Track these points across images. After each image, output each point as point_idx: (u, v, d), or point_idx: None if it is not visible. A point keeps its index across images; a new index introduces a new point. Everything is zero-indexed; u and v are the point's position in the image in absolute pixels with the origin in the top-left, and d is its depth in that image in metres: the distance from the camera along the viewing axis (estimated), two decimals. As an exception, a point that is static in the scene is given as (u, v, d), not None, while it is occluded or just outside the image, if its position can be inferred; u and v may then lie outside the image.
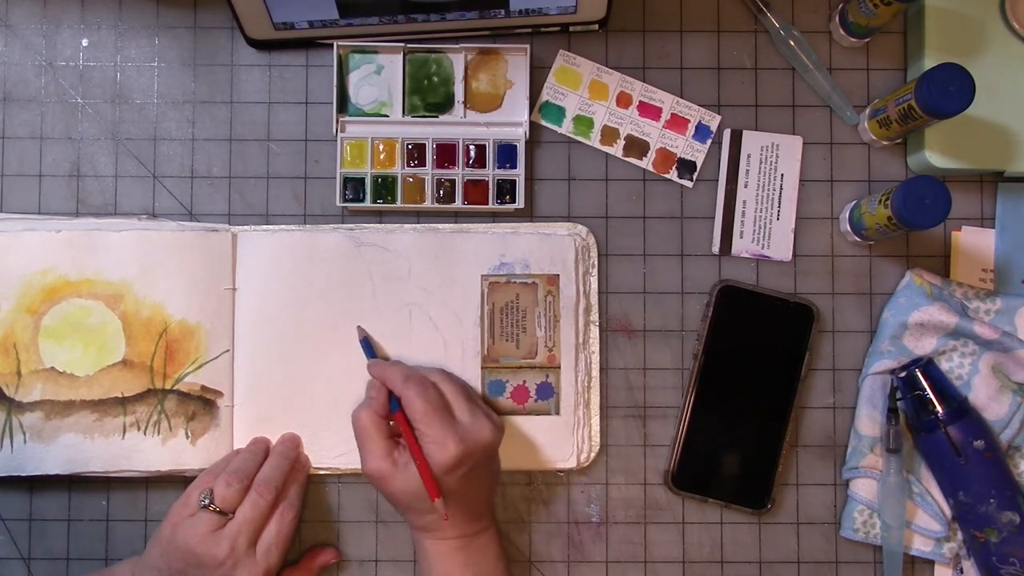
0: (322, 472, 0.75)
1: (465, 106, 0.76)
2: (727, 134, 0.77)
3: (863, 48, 0.78)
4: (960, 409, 0.71)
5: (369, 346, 0.74)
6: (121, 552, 0.75)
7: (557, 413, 0.75)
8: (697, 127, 0.77)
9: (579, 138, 0.77)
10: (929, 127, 0.73)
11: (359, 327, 0.74)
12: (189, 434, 0.73)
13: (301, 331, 0.75)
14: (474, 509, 0.69)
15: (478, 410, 0.69)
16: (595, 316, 0.76)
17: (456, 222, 0.76)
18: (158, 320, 0.74)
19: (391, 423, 0.69)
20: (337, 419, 0.74)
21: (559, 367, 0.75)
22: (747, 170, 0.77)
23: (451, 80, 0.76)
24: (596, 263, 0.76)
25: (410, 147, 0.76)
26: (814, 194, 0.77)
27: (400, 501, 0.68)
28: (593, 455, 0.75)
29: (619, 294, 0.77)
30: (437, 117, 0.76)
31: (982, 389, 0.73)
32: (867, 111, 0.76)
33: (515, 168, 0.76)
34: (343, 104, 0.76)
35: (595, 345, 0.76)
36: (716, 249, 0.77)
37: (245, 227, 0.76)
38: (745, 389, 0.75)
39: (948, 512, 0.73)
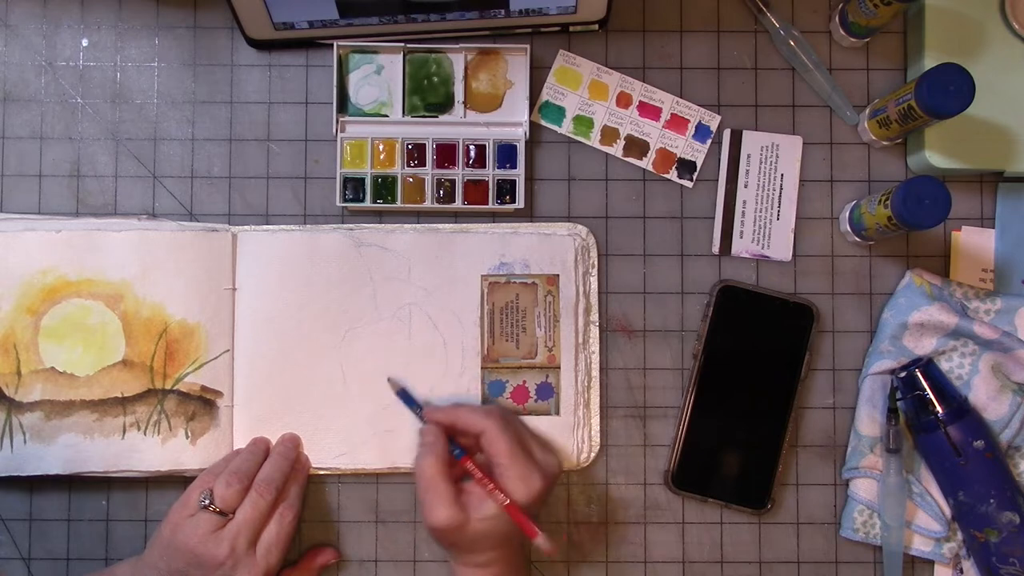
0: (322, 472, 0.75)
1: (465, 106, 0.76)
2: (727, 134, 0.77)
3: (863, 48, 0.78)
4: (960, 409, 0.71)
5: (409, 395, 0.73)
6: (121, 552, 0.75)
7: (557, 413, 0.75)
8: (697, 127, 0.77)
9: (579, 138, 0.77)
10: (929, 127, 0.73)
11: (390, 379, 0.73)
12: (189, 434, 0.73)
13: (301, 331, 0.75)
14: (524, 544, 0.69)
15: (543, 445, 0.69)
16: (595, 316, 0.76)
17: (456, 222, 0.76)
18: (158, 320, 0.74)
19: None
20: (337, 419, 0.75)
21: (559, 367, 0.75)
22: (747, 170, 0.77)
23: (451, 80, 0.76)
24: (596, 263, 0.76)
25: (410, 147, 0.76)
26: (814, 194, 0.77)
27: (467, 546, 0.66)
28: (593, 455, 0.75)
29: (619, 294, 0.77)
30: (437, 117, 0.76)
31: (982, 389, 0.73)
32: (867, 111, 0.76)
33: (515, 168, 0.76)
34: (343, 104, 0.76)
35: (595, 345, 0.76)
36: (716, 249, 0.77)
37: (245, 227, 0.76)
38: (745, 389, 0.75)
39: (948, 512, 0.73)
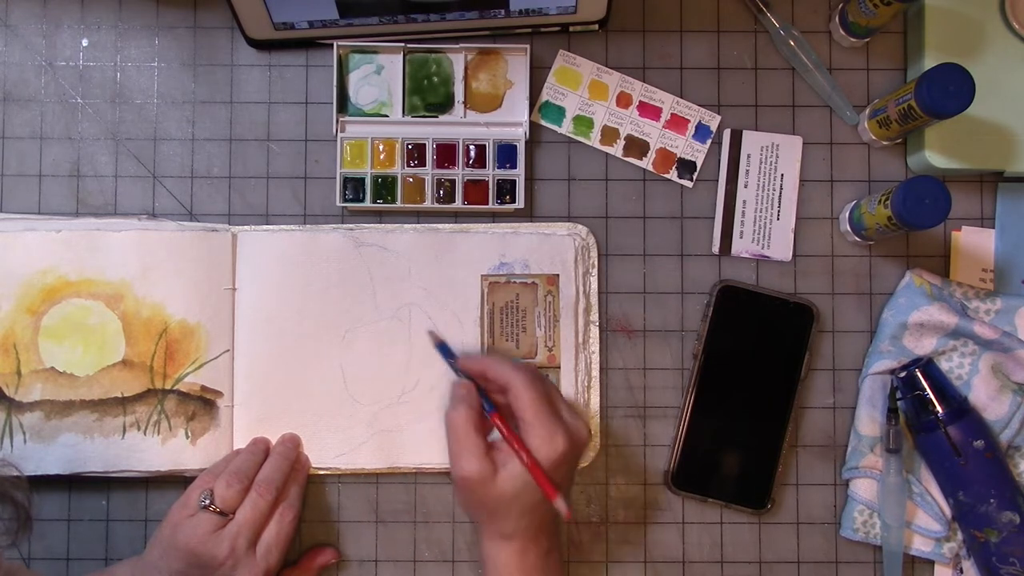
0: (322, 472, 0.75)
1: (465, 106, 0.76)
2: (727, 134, 0.77)
3: (863, 48, 0.78)
4: (960, 409, 0.71)
5: (447, 348, 0.71)
6: (121, 552, 0.75)
7: (557, 413, 0.75)
8: (697, 127, 0.77)
9: (579, 138, 0.77)
10: (929, 127, 0.73)
11: (431, 332, 0.71)
12: (189, 434, 0.73)
13: (301, 331, 0.75)
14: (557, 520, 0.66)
15: (573, 410, 0.66)
16: (595, 316, 0.76)
17: (456, 222, 0.76)
18: (158, 320, 0.74)
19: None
20: (337, 419, 0.75)
21: (559, 367, 0.75)
22: (747, 170, 0.77)
23: (451, 80, 0.76)
24: (596, 263, 0.76)
25: (410, 147, 0.76)
26: (814, 194, 0.77)
27: (492, 506, 0.64)
28: (593, 455, 0.75)
29: (619, 294, 0.77)
30: (437, 117, 0.76)
31: (982, 389, 0.73)
32: (867, 111, 0.76)
33: (515, 168, 0.76)
34: (343, 104, 0.76)
35: (595, 345, 0.76)
36: (716, 249, 0.77)
37: (245, 227, 0.76)
38: (745, 389, 0.75)
39: (948, 512, 0.73)
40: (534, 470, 0.62)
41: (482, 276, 0.75)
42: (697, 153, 0.77)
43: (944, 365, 0.74)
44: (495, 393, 0.67)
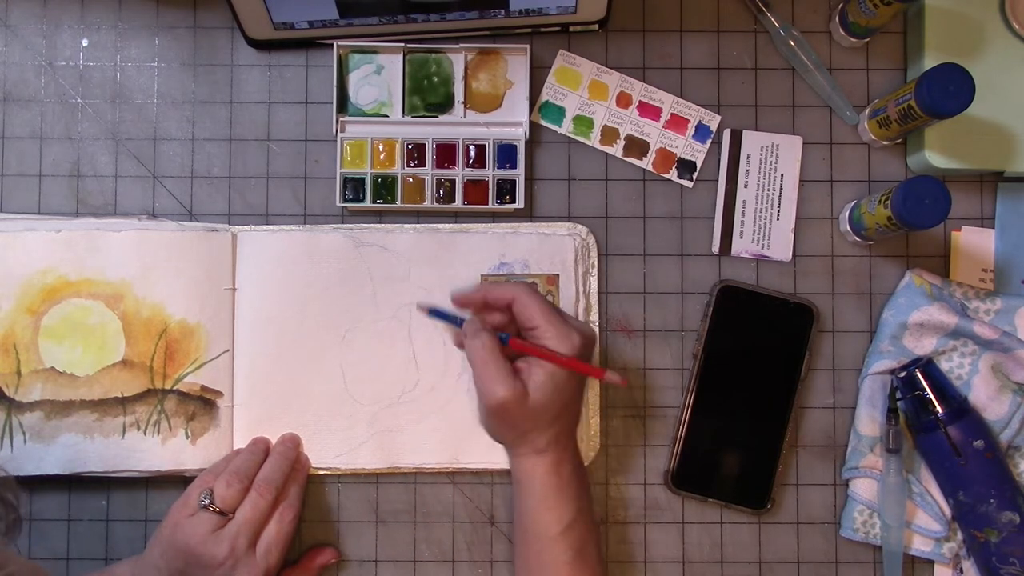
0: (322, 472, 0.75)
1: (465, 106, 0.76)
2: (727, 134, 0.77)
3: (863, 48, 0.78)
4: (960, 409, 0.71)
5: (439, 311, 0.68)
6: (121, 552, 0.75)
7: (557, 413, 0.75)
8: (697, 127, 0.77)
9: (579, 138, 0.77)
10: (929, 127, 0.73)
11: (419, 306, 0.69)
12: (189, 434, 0.73)
13: (301, 331, 0.75)
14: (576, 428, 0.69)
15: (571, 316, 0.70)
16: (595, 316, 0.76)
17: (456, 222, 0.76)
18: (158, 320, 0.74)
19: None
20: (337, 419, 0.75)
21: (559, 367, 0.75)
22: (747, 170, 0.77)
23: (451, 80, 0.76)
24: (596, 263, 0.76)
25: (410, 147, 0.76)
26: (814, 194, 0.77)
27: (527, 424, 0.65)
28: (593, 455, 0.75)
29: (619, 294, 0.77)
30: (437, 117, 0.76)
31: (982, 389, 0.73)
32: (867, 111, 0.76)
33: (515, 168, 0.76)
34: (343, 104, 0.76)
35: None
36: (716, 249, 0.77)
37: (245, 227, 0.76)
38: (745, 389, 0.75)
39: (948, 512, 0.73)
40: (572, 363, 0.64)
41: (482, 276, 0.75)
42: (697, 153, 0.77)
43: (944, 365, 0.74)
44: (496, 315, 0.67)
